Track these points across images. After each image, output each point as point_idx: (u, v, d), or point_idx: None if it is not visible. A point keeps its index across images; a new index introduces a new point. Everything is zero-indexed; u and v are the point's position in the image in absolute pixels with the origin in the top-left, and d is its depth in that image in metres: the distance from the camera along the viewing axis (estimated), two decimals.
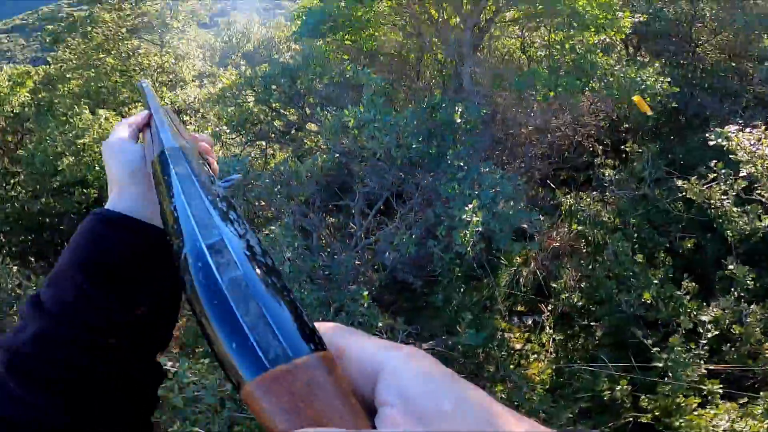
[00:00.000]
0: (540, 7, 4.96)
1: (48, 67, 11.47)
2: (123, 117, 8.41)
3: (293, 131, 5.77)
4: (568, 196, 5.30)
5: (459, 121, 4.48)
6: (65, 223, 7.72)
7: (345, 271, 3.85)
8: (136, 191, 0.52)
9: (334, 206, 5.01)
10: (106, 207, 0.53)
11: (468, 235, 3.40)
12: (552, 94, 5.30)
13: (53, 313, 0.46)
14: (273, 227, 3.84)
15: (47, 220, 8.05)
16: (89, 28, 10.51)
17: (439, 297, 4.05)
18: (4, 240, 7.45)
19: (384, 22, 7.20)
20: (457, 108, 4.50)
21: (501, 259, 4.63)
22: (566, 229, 4.91)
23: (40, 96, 9.69)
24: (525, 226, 4.81)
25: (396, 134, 4.02)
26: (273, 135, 5.68)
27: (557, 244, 4.69)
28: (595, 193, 5.32)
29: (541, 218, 4.58)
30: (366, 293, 3.28)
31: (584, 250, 4.71)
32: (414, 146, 4.20)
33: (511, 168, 5.97)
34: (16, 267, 4.78)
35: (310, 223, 4.42)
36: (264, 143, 5.78)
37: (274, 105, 5.25)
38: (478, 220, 3.47)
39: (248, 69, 9.04)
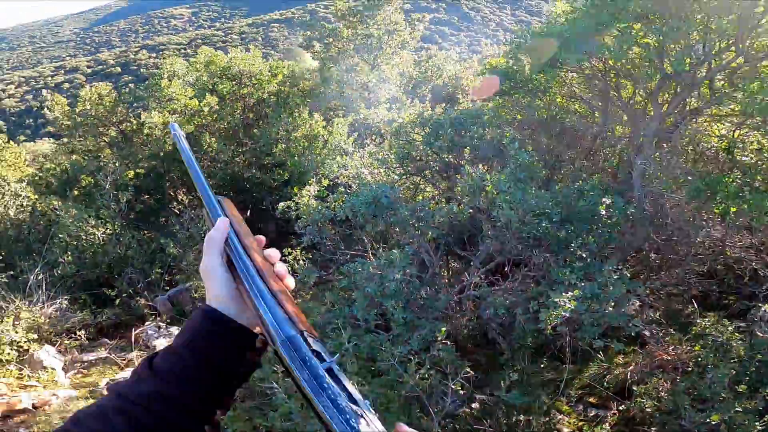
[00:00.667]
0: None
1: (294, 64, 14.63)
2: (327, 121, 10.39)
3: (447, 174, 6.56)
4: (709, 320, 4.83)
5: (602, 213, 4.53)
6: (261, 193, 10.10)
7: (440, 307, 4.46)
8: (232, 303, 0.70)
9: (456, 253, 5.60)
10: (210, 306, 0.69)
11: (552, 317, 3.66)
12: (734, 210, 4.84)
13: (163, 379, 0.63)
14: (395, 250, 4.65)
15: (247, 185, 10.68)
16: (329, 40, 12.98)
17: (504, 356, 4.32)
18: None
19: (565, 92, 7.25)
20: (604, 200, 4.56)
21: (598, 351, 4.58)
22: (686, 348, 4.54)
23: (282, 89, 12.62)
24: (646, 332, 4.64)
25: (523, 212, 4.39)
26: (429, 173, 6.58)
27: (667, 357, 4.39)
28: (742, 325, 4.72)
29: (656, 330, 4.38)
30: (444, 329, 3.84)
31: (690, 370, 4.34)
32: (543, 225, 4.47)
33: (663, 276, 5.61)
34: None
35: (429, 259, 5.15)
36: (418, 178, 6.72)
37: (435, 149, 6.12)
38: (569, 307, 3.68)
39: (428, 107, 10.11)
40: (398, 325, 4.04)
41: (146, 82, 13.02)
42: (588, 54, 5.63)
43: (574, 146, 6.99)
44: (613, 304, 3.90)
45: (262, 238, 0.83)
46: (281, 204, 5.78)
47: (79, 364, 7.92)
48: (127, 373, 7.41)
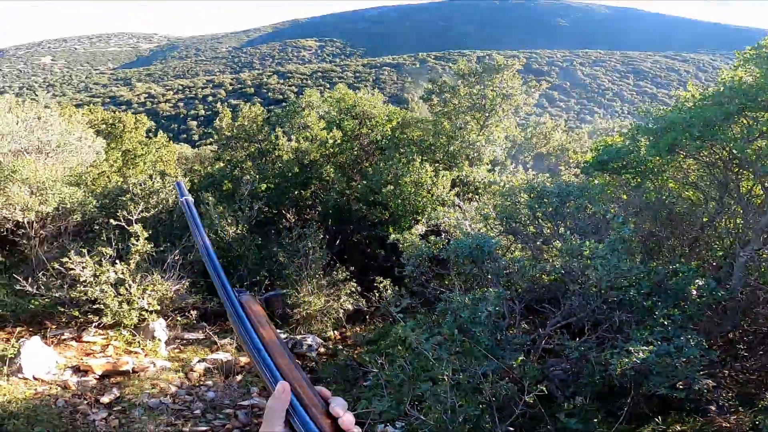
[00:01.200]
0: None
1: (407, 113, 16.06)
2: (437, 170, 11.27)
3: (542, 239, 6.97)
4: None
5: (693, 292, 4.74)
6: (361, 226, 11.12)
7: (517, 343, 4.89)
8: None
9: (535, 309, 5.96)
10: None
11: (624, 362, 3.96)
12: None
13: None
14: (478, 294, 5.16)
15: (351, 217, 11.88)
16: (448, 95, 14.06)
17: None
18: (319, 222, 11.46)
19: (680, 178, 7.26)
20: (697, 281, 4.76)
21: (657, 416, 4.62)
22: (749, 418, 4.43)
23: (395, 134, 13.98)
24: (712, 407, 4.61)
25: (615, 276, 4.74)
26: (526, 234, 7.05)
27: (727, 425, 4.30)
28: None
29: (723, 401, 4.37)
30: (521, 358, 4.25)
31: None
32: (631, 293, 4.79)
33: (752, 363, 5.47)
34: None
35: (512, 306, 5.60)
36: (514, 237, 7.22)
37: (537, 213, 6.61)
38: (641, 356, 3.98)
39: (531, 174, 10.53)
40: (480, 344, 4.56)
41: (286, 108, 15.29)
42: (710, 142, 5.78)
43: (678, 234, 6.99)
44: (684, 360, 4.09)
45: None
46: (392, 236, 6.67)
47: (179, 341, 9.23)
48: (216, 355, 8.49)
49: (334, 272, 10.71)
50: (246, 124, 13.25)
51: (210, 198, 10.28)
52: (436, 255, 5.98)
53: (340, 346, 9.69)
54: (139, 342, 8.59)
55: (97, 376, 7.39)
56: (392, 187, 11.13)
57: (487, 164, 11.55)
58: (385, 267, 11.86)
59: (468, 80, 13.31)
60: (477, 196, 10.70)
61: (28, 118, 11.39)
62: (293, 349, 9.05)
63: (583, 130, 20.87)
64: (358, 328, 10.71)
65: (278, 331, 9.64)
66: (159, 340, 8.81)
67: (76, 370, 7.52)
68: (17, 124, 10.84)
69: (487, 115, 13.11)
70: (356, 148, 13.33)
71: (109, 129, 15.87)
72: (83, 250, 8.32)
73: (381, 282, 8.77)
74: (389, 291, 8.66)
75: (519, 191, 6.76)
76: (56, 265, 8.13)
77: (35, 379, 7.01)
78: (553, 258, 5.63)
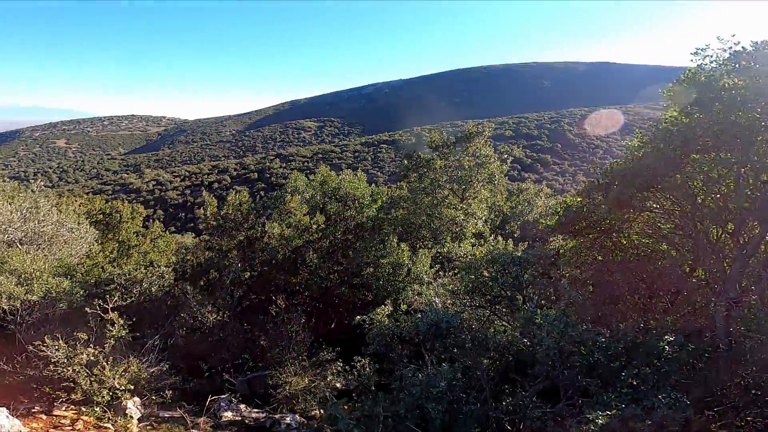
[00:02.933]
0: None
1: (395, 190, 16.42)
2: (414, 250, 11.41)
3: (511, 308, 7.00)
4: None
5: (666, 349, 4.66)
6: (347, 309, 11.14)
7: (480, 417, 4.69)
8: None
9: (510, 377, 5.79)
10: None
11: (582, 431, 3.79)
12: None
13: None
14: (445, 364, 5.06)
15: (336, 300, 11.86)
16: (424, 170, 14.44)
17: None
18: (307, 305, 11.32)
19: (646, 231, 6.99)
20: (666, 337, 4.69)
21: None
22: None
23: (378, 215, 14.16)
24: None
25: (566, 342, 4.70)
26: (496, 307, 7.09)
27: None
28: None
29: None
30: None
31: None
32: (595, 356, 4.71)
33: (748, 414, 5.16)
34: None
35: (482, 377, 5.47)
36: (488, 312, 7.24)
37: (501, 286, 6.70)
38: (600, 423, 3.81)
39: (500, 243, 10.67)
40: (435, 428, 4.39)
41: (274, 194, 15.81)
42: (658, 193, 5.82)
43: (656, 289, 6.84)
44: (652, 420, 3.91)
45: None
46: (357, 317, 6.70)
47: (153, 418, 8.82)
48: None
49: (321, 353, 10.61)
50: (231, 212, 13.63)
51: (188, 287, 10.44)
52: (402, 334, 5.98)
53: (326, 426, 9.26)
54: (109, 418, 8.31)
55: None
56: (372, 269, 11.23)
57: (470, 239, 11.69)
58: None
59: (442, 151, 13.66)
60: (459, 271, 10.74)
61: (23, 208, 11.77)
62: (271, 428, 8.70)
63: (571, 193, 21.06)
64: (346, 406, 10.36)
65: (257, 410, 9.19)
66: (131, 417, 8.48)
67: None
68: (11, 213, 11.19)
69: (464, 187, 13.38)
70: (340, 231, 13.60)
71: (106, 219, 16.28)
72: (57, 335, 8.38)
73: (360, 361, 8.68)
74: (368, 369, 8.50)
75: (481, 263, 6.90)
76: (30, 348, 8.13)
77: None
78: (514, 327, 5.60)
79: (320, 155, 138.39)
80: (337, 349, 10.67)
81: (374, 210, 14.30)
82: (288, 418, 8.99)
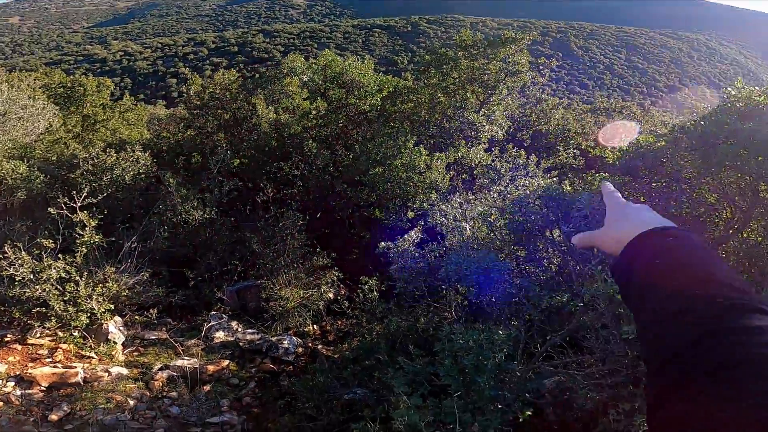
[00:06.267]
0: None
1: (399, 81, 14.60)
2: (432, 153, 10.08)
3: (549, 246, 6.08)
4: None
5: None
6: (345, 208, 10.00)
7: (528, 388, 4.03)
8: None
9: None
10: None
11: None
12: None
13: None
14: (500, 331, 4.17)
15: (334, 198, 10.77)
16: (447, 68, 12.62)
17: None
18: (299, 201, 10.23)
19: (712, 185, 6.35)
20: None
21: None
22: None
23: (386, 105, 12.64)
24: None
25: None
26: (534, 243, 6.14)
27: None
28: None
29: None
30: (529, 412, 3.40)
31: None
32: None
33: None
34: None
35: (523, 338, 4.71)
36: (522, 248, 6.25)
37: (550, 218, 5.65)
38: None
39: (544, 179, 9.36)
40: (481, 398, 3.68)
41: (266, 73, 13.68)
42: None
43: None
44: None
45: None
46: (381, 244, 5.62)
47: (138, 341, 8.17)
48: (180, 361, 7.35)
49: (314, 258, 9.73)
50: (218, 92, 11.72)
51: (171, 180, 8.96)
52: (432, 266, 4.96)
53: (320, 345, 8.75)
54: (91, 346, 7.53)
55: (43, 389, 6.28)
56: (381, 169, 9.98)
57: (484, 144, 10.38)
58: (370, 252, 10.87)
59: (470, 53, 12.00)
60: (472, 179, 9.60)
61: None
62: (267, 353, 8.12)
63: (583, 108, 19.81)
64: (339, 322, 9.67)
65: (251, 331, 8.60)
66: (114, 342, 7.70)
67: (19, 380, 6.36)
68: None
69: (490, 92, 11.88)
70: (342, 120, 11.98)
71: (67, 93, 14.22)
72: (18, 245, 7.07)
73: (366, 282, 7.88)
74: (375, 293, 7.72)
75: (534, 199, 5.62)
76: None
77: None
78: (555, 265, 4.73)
79: (308, 34, 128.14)
80: (333, 254, 9.88)
81: (378, 99, 12.74)
82: (285, 342, 8.33)
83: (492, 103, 11.47)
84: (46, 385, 6.27)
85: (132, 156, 9.38)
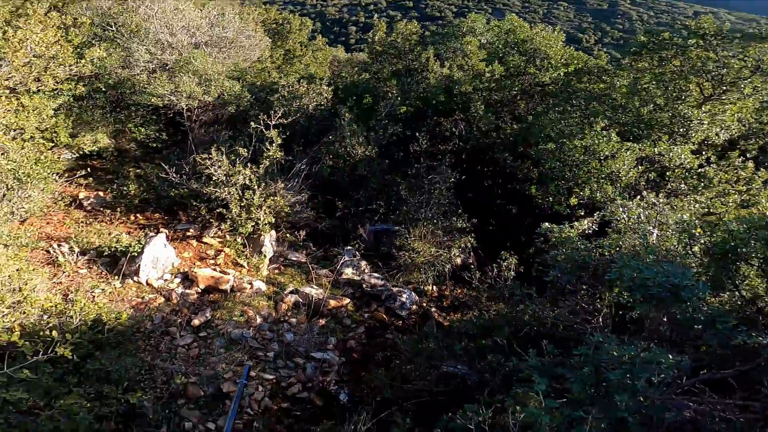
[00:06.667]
0: None
1: (590, 59, 12.98)
2: (622, 141, 8.74)
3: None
4: None
5: None
6: (495, 173, 9.49)
7: None
8: None
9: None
10: None
11: None
12: None
13: None
14: (644, 354, 3.54)
15: (492, 166, 10.22)
16: (668, 54, 10.46)
17: None
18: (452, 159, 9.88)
19: None
20: None
21: None
22: None
23: (570, 81, 11.33)
24: None
25: None
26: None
27: None
28: None
29: None
30: None
31: None
32: None
33: None
34: None
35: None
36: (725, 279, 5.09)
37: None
38: None
39: None
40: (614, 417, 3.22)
41: (444, 30, 13.50)
42: None
43: None
44: None
45: None
46: (545, 225, 5.20)
47: (282, 260, 9.10)
48: (309, 288, 8.08)
49: (454, 218, 9.53)
50: (399, 40, 12.02)
51: (346, 114, 9.63)
52: (598, 263, 4.39)
53: (434, 308, 8.71)
54: (246, 255, 8.79)
55: (200, 290, 7.67)
56: (553, 145, 9.07)
57: (693, 145, 8.55)
58: (511, 228, 10.25)
59: (708, 42, 9.79)
60: (666, 182, 8.12)
61: (211, 14, 11.81)
62: (384, 302, 8.38)
63: None
64: (459, 290, 9.51)
65: (377, 276, 8.98)
66: (264, 256, 8.87)
67: (185, 278, 7.90)
68: (200, 19, 11.31)
69: (724, 88, 9.65)
70: (516, 89, 11.23)
71: (278, 29, 16.25)
72: (221, 149, 8.54)
73: (506, 258, 7.49)
74: (512, 272, 7.30)
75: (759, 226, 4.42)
76: (198, 158, 8.50)
77: (147, 284, 7.54)
78: None
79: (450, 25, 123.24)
80: (473, 219, 9.54)
81: (562, 74, 11.52)
82: (404, 296, 8.50)
83: (723, 101, 9.34)
84: (203, 287, 7.59)
85: (318, 88, 10.28)
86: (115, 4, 10.47)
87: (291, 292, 8.11)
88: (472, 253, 9.73)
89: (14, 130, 6.87)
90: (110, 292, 7.13)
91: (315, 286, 8.34)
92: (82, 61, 7.33)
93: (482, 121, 10.30)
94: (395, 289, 8.60)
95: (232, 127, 10.56)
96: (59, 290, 6.90)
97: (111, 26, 9.90)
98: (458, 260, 9.51)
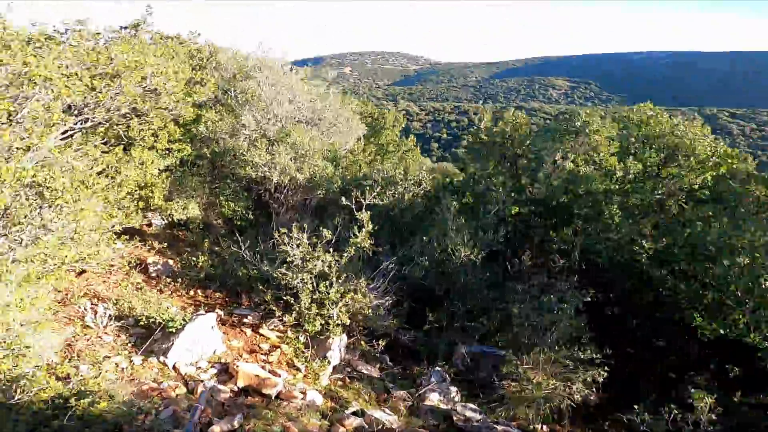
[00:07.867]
0: None
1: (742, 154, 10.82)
2: None
3: None
4: None
5: None
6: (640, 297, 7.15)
7: None
8: None
9: None
10: None
11: None
12: None
13: None
14: None
15: (645, 284, 7.81)
16: None
17: None
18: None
19: None
20: None
21: None
22: None
23: (728, 181, 9.21)
24: None
25: None
26: None
27: None
28: None
29: None
30: None
31: None
32: None
33: None
34: None
35: None
36: None
37: None
38: None
39: None
40: None
41: (562, 124, 12.19)
42: None
43: None
44: None
45: None
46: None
47: (349, 370, 7.40)
48: (380, 413, 6.02)
49: (578, 347, 7.47)
50: (507, 130, 10.83)
51: (453, 203, 8.08)
52: None
53: None
54: (307, 357, 7.07)
55: (236, 389, 5.90)
56: (727, 262, 6.71)
57: None
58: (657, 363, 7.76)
59: None
60: None
61: (315, 93, 12.00)
62: None
63: None
64: (579, 430, 7.44)
65: (473, 407, 6.51)
66: (329, 362, 7.09)
67: (223, 370, 6.22)
68: (307, 94, 11.44)
69: None
70: (660, 192, 9.10)
71: (373, 122, 16.48)
72: (304, 226, 7.26)
73: (699, 396, 5.23)
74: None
75: None
76: (276, 235, 7.25)
77: (174, 368, 5.95)
78: None
79: (566, 116, 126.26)
80: (608, 350, 7.32)
81: (712, 174, 9.44)
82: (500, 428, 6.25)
83: None
84: (242, 385, 5.87)
85: (416, 177, 9.13)
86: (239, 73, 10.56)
87: (354, 413, 6.06)
88: (595, 390, 7.51)
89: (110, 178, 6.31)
90: (122, 369, 5.57)
91: (387, 411, 6.38)
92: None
93: (621, 228, 8.19)
94: (500, 428, 6.43)
95: (319, 216, 9.55)
96: (67, 354, 5.56)
97: (229, 91, 9.94)
98: (578, 396, 7.25)
